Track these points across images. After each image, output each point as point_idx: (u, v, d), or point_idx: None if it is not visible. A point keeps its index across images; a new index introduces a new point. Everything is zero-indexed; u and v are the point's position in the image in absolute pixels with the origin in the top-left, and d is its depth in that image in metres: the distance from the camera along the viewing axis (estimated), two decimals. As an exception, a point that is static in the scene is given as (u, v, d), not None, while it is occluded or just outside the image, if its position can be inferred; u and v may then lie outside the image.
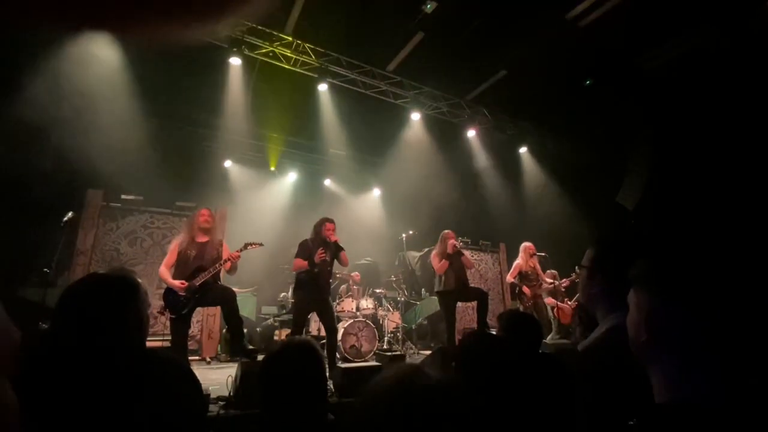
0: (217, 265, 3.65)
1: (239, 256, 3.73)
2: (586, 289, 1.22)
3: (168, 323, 3.62)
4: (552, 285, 5.77)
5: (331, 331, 4.24)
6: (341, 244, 4.38)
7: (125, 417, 0.74)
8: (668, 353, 0.66)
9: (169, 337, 3.63)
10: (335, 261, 4.41)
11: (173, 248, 3.77)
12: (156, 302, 5.00)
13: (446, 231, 5.22)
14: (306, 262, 4.18)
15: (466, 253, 5.82)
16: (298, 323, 4.29)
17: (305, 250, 4.28)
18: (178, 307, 3.51)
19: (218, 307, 5.65)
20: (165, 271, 3.65)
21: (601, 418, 0.90)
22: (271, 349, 1.28)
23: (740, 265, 0.66)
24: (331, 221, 4.42)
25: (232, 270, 3.75)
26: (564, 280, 6.00)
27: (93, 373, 0.76)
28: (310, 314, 4.82)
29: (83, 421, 0.71)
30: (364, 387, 0.63)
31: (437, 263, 5.01)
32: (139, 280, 1.12)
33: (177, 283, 3.54)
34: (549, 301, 6.08)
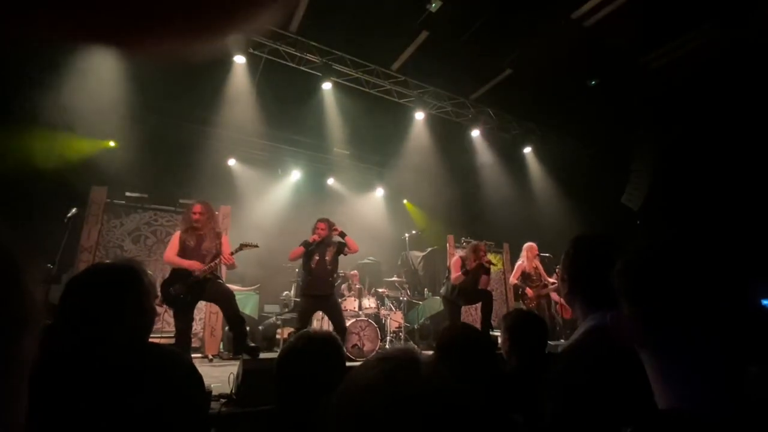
0: (215, 263, 3.64)
1: (233, 262, 3.72)
2: (562, 290, 1.22)
3: (169, 319, 3.63)
4: (555, 285, 5.73)
5: (340, 330, 4.32)
6: (340, 230, 4.55)
7: (127, 411, 0.73)
8: (650, 356, 0.64)
9: (170, 334, 3.64)
10: (339, 257, 4.58)
11: (175, 237, 3.78)
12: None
13: (480, 244, 5.11)
14: (301, 249, 4.44)
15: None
16: (302, 321, 4.39)
17: (305, 244, 4.49)
18: (176, 303, 3.51)
19: (222, 305, 5.70)
20: (174, 256, 3.65)
21: (582, 423, 0.87)
22: (293, 342, 1.23)
23: (720, 267, 0.63)
24: (322, 220, 4.56)
25: (230, 265, 3.75)
26: (553, 281, 5.84)
27: (93, 366, 0.76)
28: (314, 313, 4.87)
29: (84, 415, 0.70)
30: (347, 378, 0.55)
31: (456, 272, 4.85)
32: (149, 272, 1.09)
33: (189, 263, 3.56)
34: (554, 296, 6.03)
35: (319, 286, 4.38)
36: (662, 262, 0.66)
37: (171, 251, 3.69)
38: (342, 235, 4.54)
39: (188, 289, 3.55)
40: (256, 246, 3.95)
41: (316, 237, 4.45)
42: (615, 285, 0.71)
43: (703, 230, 5.61)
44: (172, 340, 3.72)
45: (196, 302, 3.72)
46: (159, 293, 3.57)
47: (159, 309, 4.04)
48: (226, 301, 3.66)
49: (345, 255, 4.68)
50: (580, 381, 0.90)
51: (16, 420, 0.39)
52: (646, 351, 0.65)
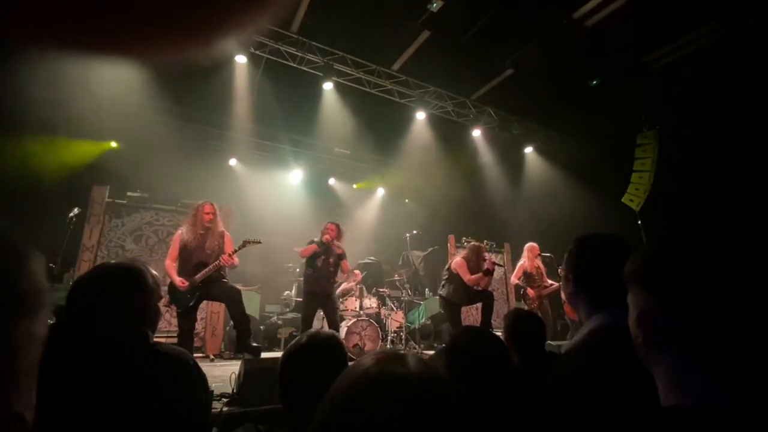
0: (218, 262, 3.63)
1: (232, 262, 3.68)
2: (565, 290, 1.20)
3: (171, 319, 3.63)
4: (555, 286, 5.72)
5: (333, 327, 4.45)
6: (344, 250, 4.77)
7: (131, 409, 0.74)
8: (666, 355, 0.62)
9: (171, 333, 3.64)
10: (339, 265, 4.75)
11: (176, 240, 3.74)
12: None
13: (481, 245, 5.12)
14: (314, 247, 4.57)
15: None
16: (306, 320, 4.51)
17: (318, 243, 4.62)
18: (182, 302, 3.52)
19: (222, 305, 5.70)
20: (170, 265, 3.64)
21: (587, 424, 0.86)
22: (297, 341, 1.24)
23: (741, 263, 0.63)
24: (333, 223, 4.76)
25: (231, 265, 3.73)
26: (554, 283, 5.82)
27: (98, 364, 0.76)
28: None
29: (89, 413, 0.71)
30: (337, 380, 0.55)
31: (468, 274, 4.80)
32: (153, 272, 1.10)
33: (178, 280, 3.54)
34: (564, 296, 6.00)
35: (323, 284, 4.56)
36: (703, 257, 0.64)
37: (169, 256, 3.69)
38: (342, 256, 4.74)
39: (191, 294, 3.55)
40: (259, 242, 3.93)
41: (327, 237, 4.58)
42: (639, 279, 0.69)
43: (708, 230, 5.60)
44: (175, 339, 3.73)
45: (201, 302, 3.73)
46: (167, 294, 3.58)
47: (162, 308, 4.04)
48: (232, 300, 3.66)
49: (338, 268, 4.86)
50: (585, 382, 0.89)
51: (28, 411, 0.39)
52: (663, 349, 0.63)
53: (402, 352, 0.56)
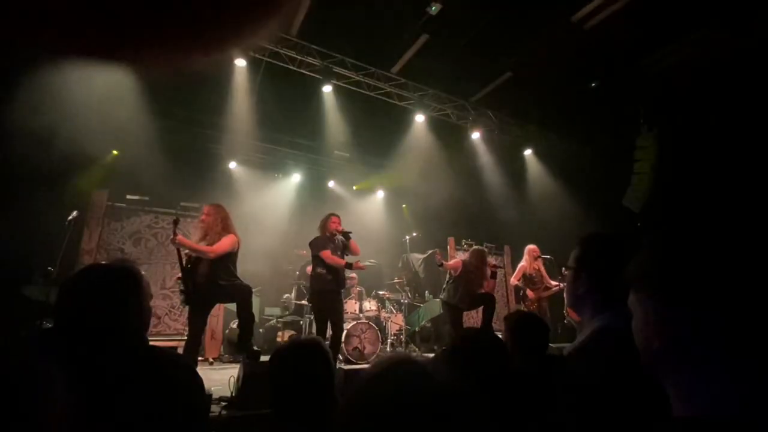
0: (207, 257, 3.56)
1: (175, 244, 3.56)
2: (572, 290, 1.15)
3: (169, 322, 3.61)
4: (557, 288, 5.71)
5: (338, 327, 4.27)
6: (344, 237, 4.47)
7: (125, 414, 0.72)
8: (686, 362, 0.59)
9: (171, 337, 3.62)
10: (346, 250, 4.50)
11: None
12: (160, 302, 5.03)
13: (483, 250, 5.12)
14: (337, 256, 4.27)
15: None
16: (323, 321, 4.28)
17: (325, 243, 4.32)
18: (190, 300, 3.52)
19: (222, 309, 5.69)
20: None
21: (590, 426, 0.85)
22: (278, 347, 1.26)
23: (756, 262, 0.60)
24: (336, 215, 4.53)
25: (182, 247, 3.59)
26: (556, 284, 5.80)
27: (90, 367, 0.75)
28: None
29: (82, 416, 0.69)
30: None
31: (454, 263, 4.90)
32: (142, 272, 1.09)
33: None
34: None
35: (339, 280, 4.32)
36: (727, 259, 0.60)
37: None
38: (346, 236, 4.45)
39: (195, 292, 3.53)
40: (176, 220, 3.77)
41: (337, 228, 4.41)
42: (652, 283, 0.65)
43: (703, 227, 5.58)
44: (172, 343, 3.71)
45: (212, 305, 3.71)
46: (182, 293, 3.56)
47: (160, 311, 4.03)
48: (243, 298, 3.66)
49: (347, 255, 4.63)
50: (591, 383, 0.88)
51: None
52: (681, 356, 0.60)
53: (409, 354, 0.59)
